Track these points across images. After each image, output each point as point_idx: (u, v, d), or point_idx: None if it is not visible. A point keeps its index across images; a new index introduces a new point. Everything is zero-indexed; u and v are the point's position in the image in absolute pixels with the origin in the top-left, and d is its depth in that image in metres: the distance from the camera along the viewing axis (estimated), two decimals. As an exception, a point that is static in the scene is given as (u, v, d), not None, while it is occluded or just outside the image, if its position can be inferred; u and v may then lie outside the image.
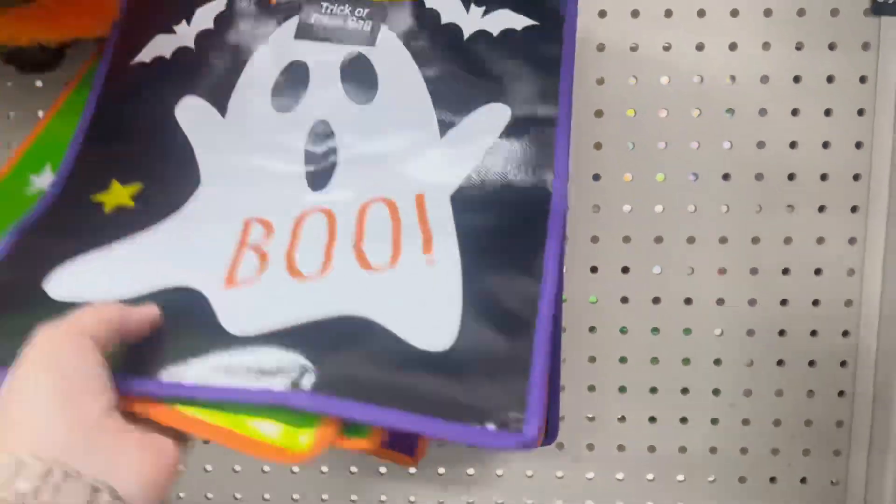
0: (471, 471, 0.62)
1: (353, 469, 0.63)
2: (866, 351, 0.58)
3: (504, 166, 0.45)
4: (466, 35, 0.49)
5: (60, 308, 0.36)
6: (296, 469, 0.63)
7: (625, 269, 0.59)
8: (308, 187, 0.47)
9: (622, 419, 0.60)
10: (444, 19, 0.49)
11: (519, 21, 0.48)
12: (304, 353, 0.36)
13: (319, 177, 0.47)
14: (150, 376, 0.36)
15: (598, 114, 0.57)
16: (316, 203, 0.46)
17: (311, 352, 0.36)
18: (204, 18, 0.51)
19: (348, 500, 0.63)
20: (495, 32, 0.48)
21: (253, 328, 0.38)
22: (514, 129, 0.46)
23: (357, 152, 0.48)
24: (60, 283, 0.41)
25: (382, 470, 0.63)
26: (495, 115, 0.47)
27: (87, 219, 0.45)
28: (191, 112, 0.50)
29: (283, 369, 0.35)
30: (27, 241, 0.43)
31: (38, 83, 0.60)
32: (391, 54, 0.49)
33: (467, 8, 0.49)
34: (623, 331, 0.59)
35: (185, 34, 0.50)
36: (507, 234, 0.42)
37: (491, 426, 0.34)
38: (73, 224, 0.45)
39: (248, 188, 0.47)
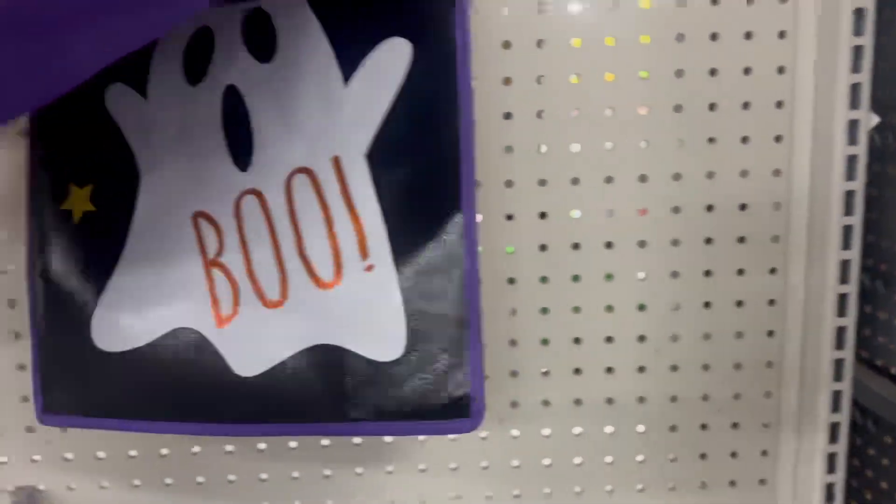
0: (389, 437, 0.58)
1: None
2: (794, 288, 0.56)
3: (411, 114, 0.45)
4: None
5: (114, 360, 0.48)
6: (293, 444, 0.57)
7: (542, 215, 0.55)
8: (234, 165, 0.47)
9: (546, 373, 0.57)
10: None
11: None
12: (301, 385, 0.46)
13: (241, 151, 0.47)
14: (194, 420, 0.47)
15: (506, 45, 0.52)
16: (246, 184, 0.47)
17: (306, 383, 0.46)
18: None
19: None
20: None
21: (255, 369, 0.47)
22: (416, 68, 0.45)
23: (267, 116, 0.46)
24: (102, 335, 0.48)
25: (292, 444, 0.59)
26: (396, 52, 0.45)
27: (69, 236, 0.49)
28: (118, 100, 0.48)
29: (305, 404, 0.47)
30: (48, 277, 0.49)
31: None
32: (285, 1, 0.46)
33: None
34: (543, 280, 0.56)
35: None
36: (426, 205, 0.45)
37: (449, 419, 0.45)
38: (61, 245, 0.49)
39: (182, 174, 0.48)
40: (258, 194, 0.47)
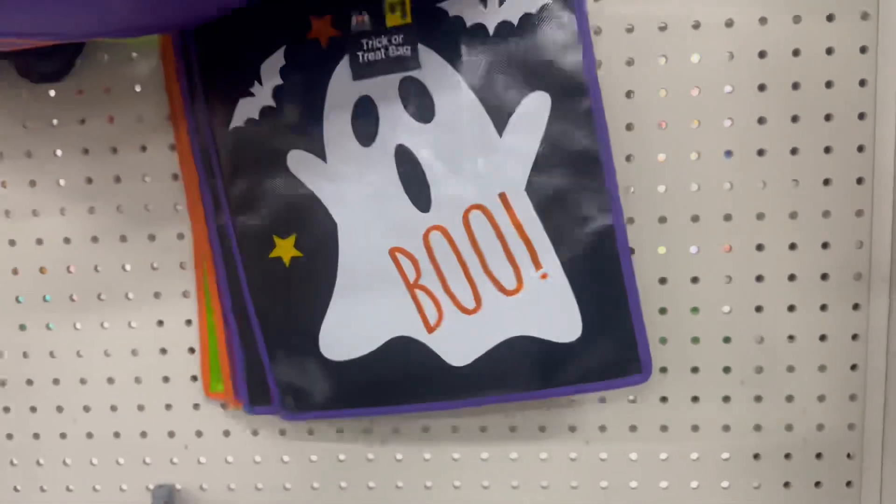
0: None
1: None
2: (877, 324, 0.58)
3: (557, 149, 0.54)
4: (491, 31, 0.54)
5: (345, 366, 0.59)
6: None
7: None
8: (415, 208, 0.57)
9: (633, 400, 0.61)
10: (469, 22, 0.54)
11: (533, 2, 0.53)
12: (504, 367, 0.58)
13: (420, 196, 0.56)
14: (418, 401, 0.59)
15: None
16: (430, 222, 0.57)
17: (507, 365, 0.58)
18: (271, 74, 0.56)
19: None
20: (515, 21, 0.54)
21: (465, 360, 0.58)
22: (556, 113, 0.54)
23: (438, 167, 0.56)
24: (331, 349, 0.59)
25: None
26: (538, 104, 0.54)
27: (285, 277, 0.58)
28: (300, 164, 0.57)
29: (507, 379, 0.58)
30: (270, 311, 0.59)
31: (51, 93, 0.61)
32: (436, 71, 0.55)
33: (485, 3, 0.54)
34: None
35: (262, 93, 0.57)
36: (581, 218, 0.55)
37: (626, 376, 0.57)
38: (278, 286, 0.59)
39: (374, 220, 0.57)
40: (442, 229, 0.56)
